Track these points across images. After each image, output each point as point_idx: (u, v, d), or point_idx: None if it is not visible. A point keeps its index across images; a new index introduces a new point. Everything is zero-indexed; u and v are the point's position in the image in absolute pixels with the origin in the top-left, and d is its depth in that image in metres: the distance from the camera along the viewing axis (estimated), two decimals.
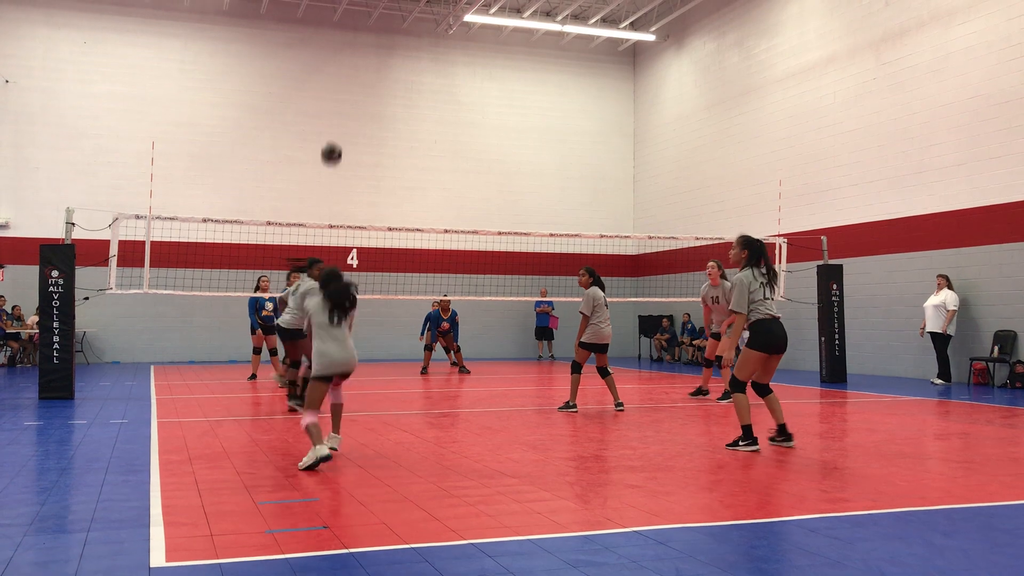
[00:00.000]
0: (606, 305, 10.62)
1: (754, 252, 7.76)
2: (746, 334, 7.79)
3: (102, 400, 11.71)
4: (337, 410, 7.37)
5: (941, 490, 5.98)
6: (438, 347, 18.15)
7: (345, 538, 4.58)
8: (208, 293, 15.85)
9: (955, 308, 14.39)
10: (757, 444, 7.57)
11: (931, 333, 14.64)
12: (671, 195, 23.24)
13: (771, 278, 7.70)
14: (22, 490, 5.90)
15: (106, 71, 20.63)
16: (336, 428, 7.38)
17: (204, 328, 20.94)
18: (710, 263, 11.82)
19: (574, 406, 10.54)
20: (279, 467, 6.70)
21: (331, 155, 9.84)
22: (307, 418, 6.57)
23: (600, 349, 10.59)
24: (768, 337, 7.54)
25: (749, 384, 7.72)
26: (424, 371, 17.02)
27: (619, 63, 25.04)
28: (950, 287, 14.58)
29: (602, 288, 10.71)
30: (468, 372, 17.21)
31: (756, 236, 8.14)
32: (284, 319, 10.48)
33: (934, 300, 14.62)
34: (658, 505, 5.41)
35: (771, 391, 7.78)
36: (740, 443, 7.60)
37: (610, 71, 24.95)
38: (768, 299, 7.63)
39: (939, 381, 14.48)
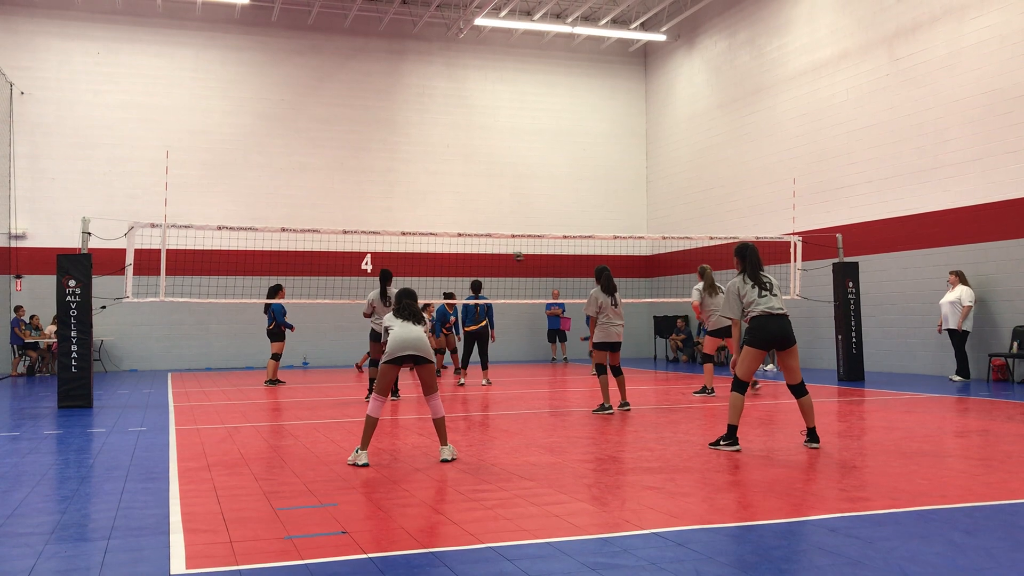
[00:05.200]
0: (614, 304, 10.61)
1: (742, 260, 7.86)
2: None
3: (120, 408, 11.79)
4: (436, 424, 7.30)
5: (962, 488, 5.93)
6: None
7: (364, 543, 4.59)
8: (224, 300, 15.92)
9: (970, 304, 14.28)
10: (738, 445, 7.60)
11: (948, 330, 14.54)
12: (684, 195, 23.19)
13: (760, 283, 7.66)
14: (43, 499, 5.95)
15: (119, 81, 20.78)
16: (442, 440, 7.29)
17: (220, 335, 21.04)
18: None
19: (609, 407, 10.54)
20: (297, 473, 6.72)
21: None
22: (370, 404, 7.15)
23: (612, 348, 10.69)
24: (760, 332, 7.57)
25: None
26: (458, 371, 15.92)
27: (630, 63, 25.01)
28: (964, 283, 14.47)
29: (608, 290, 10.65)
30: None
31: (762, 236, 8.16)
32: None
33: (950, 296, 14.51)
34: (676, 506, 5.40)
35: (806, 393, 7.77)
36: (722, 442, 7.62)
37: (621, 72, 24.92)
38: (765, 297, 7.61)
39: (957, 378, 14.38)
